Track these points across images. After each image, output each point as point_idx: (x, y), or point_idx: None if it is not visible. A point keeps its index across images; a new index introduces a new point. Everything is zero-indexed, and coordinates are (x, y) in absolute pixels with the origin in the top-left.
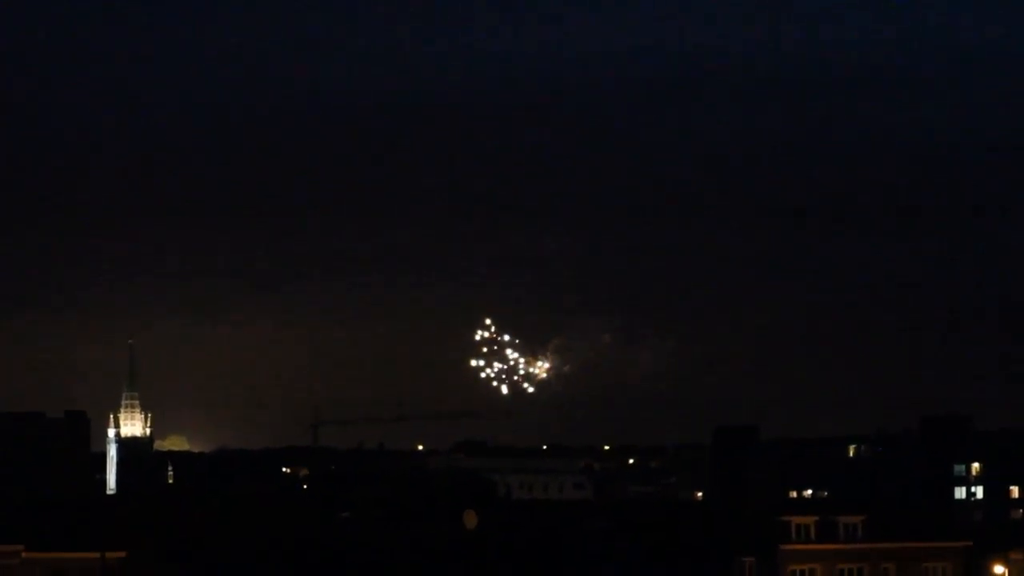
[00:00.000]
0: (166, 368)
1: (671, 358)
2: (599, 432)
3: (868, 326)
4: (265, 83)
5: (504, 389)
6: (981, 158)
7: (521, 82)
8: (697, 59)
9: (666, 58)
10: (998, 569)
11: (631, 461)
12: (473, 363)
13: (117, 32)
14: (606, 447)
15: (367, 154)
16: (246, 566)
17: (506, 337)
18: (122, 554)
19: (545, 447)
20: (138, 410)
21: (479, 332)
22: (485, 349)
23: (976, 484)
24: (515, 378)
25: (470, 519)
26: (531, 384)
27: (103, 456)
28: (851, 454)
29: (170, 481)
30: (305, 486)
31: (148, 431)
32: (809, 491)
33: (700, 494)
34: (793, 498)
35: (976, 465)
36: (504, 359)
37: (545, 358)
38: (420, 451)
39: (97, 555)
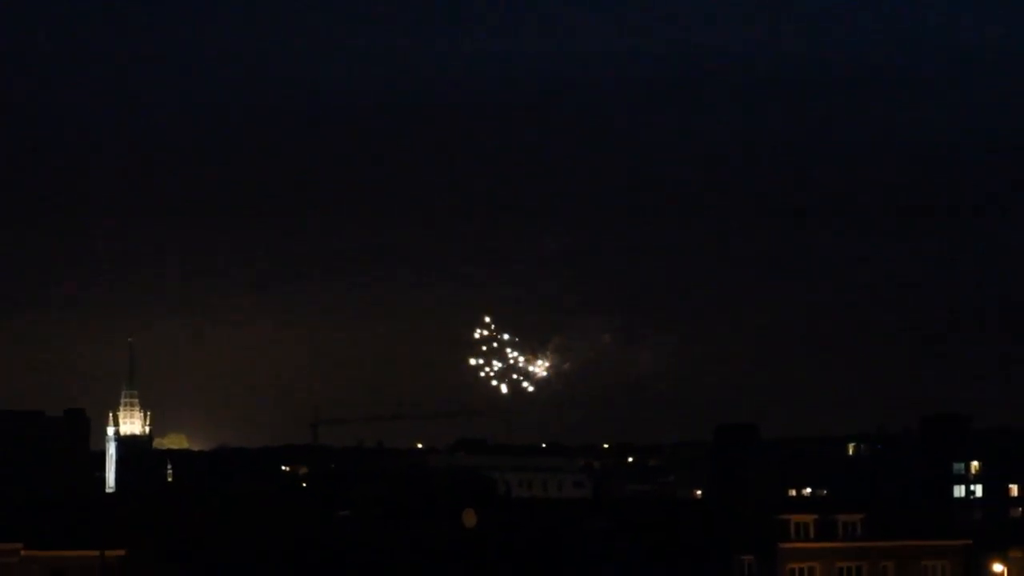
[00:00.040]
0: (166, 367)
1: (671, 358)
2: (598, 430)
3: (868, 326)
4: (265, 83)
5: (503, 388)
6: (981, 158)
7: (521, 82)
8: (697, 59)
9: (666, 58)
10: (997, 567)
11: (630, 459)
12: (472, 362)
13: (117, 32)
14: (605, 445)
15: (367, 154)
16: (245, 564)
17: (505, 336)
18: (121, 552)
19: (544, 445)
20: (137, 408)
21: (478, 331)
22: (484, 348)
23: (975, 483)
24: (514, 377)
25: (469, 517)
26: (531, 383)
27: (102, 454)
28: (850, 453)
29: (169, 479)
30: (304, 485)
31: (147, 429)
32: (808, 490)
33: (699, 492)
34: (792, 497)
35: (975, 464)
36: (504, 358)
37: (545, 357)
38: (419, 449)
39: (96, 553)
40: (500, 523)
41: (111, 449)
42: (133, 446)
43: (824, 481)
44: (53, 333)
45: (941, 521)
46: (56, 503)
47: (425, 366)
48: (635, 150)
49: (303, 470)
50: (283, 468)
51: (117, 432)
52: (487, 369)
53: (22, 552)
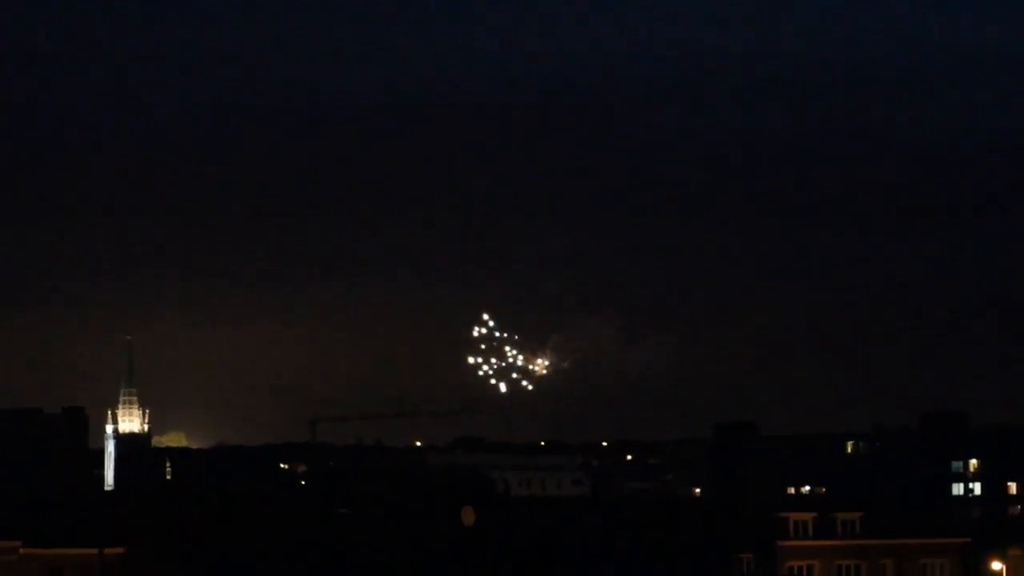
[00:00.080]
0: (165, 365)
1: (671, 357)
2: (598, 429)
3: (868, 326)
4: (265, 83)
5: (503, 386)
6: (981, 158)
7: (521, 82)
8: (697, 59)
9: (666, 58)
10: (996, 565)
11: (629, 458)
12: (471, 360)
13: (117, 32)
14: (604, 443)
15: (367, 154)
16: (245, 563)
17: (504, 334)
18: (120, 550)
19: (543, 443)
20: (136, 406)
21: (477, 329)
22: (483, 346)
23: (974, 481)
24: (514, 376)
25: (468, 515)
26: (530, 381)
27: (101, 452)
28: (849, 451)
29: (168, 477)
30: (303, 483)
31: (146, 427)
32: (807, 488)
33: (698, 491)
34: (791, 495)
35: (974, 462)
36: (503, 356)
37: (545, 355)
38: (419, 447)
39: (95, 551)
40: (499, 521)
41: (110, 447)
42: (132, 444)
43: (823, 479)
44: (52, 331)
45: (940, 519)
46: (55, 501)
47: (425, 365)
48: (635, 150)
49: (302, 468)
50: (282, 466)
51: (116, 430)
52: (486, 368)
53: (21, 550)
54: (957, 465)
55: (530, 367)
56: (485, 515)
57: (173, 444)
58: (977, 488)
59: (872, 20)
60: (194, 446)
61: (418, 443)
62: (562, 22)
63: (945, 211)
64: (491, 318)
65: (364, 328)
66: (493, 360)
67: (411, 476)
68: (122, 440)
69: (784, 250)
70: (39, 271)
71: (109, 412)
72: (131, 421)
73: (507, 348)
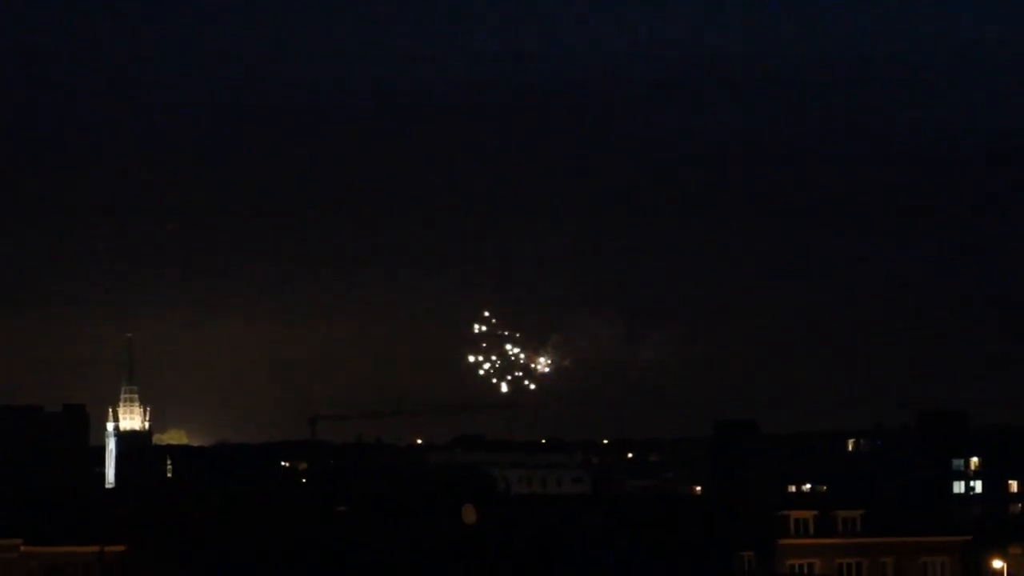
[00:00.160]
0: (165, 362)
1: (671, 357)
2: (598, 427)
3: (868, 326)
4: (265, 83)
5: (504, 385)
6: (981, 158)
7: (521, 82)
8: (697, 59)
9: (666, 58)
10: (997, 564)
11: (630, 456)
12: (471, 359)
13: (117, 32)
14: (605, 441)
15: (367, 154)
16: (245, 561)
17: (505, 332)
18: (121, 548)
19: (544, 441)
20: (137, 404)
21: (477, 327)
22: (484, 344)
23: (974, 479)
24: (516, 374)
25: (469, 514)
26: (531, 379)
27: (102, 450)
28: (850, 449)
29: (169, 475)
30: (304, 481)
31: (147, 425)
32: (808, 486)
33: (698, 489)
34: (792, 493)
35: (975, 460)
36: (503, 354)
37: (545, 353)
38: (419, 446)
39: (96, 549)
40: (499, 519)
41: (111, 445)
42: (133, 442)
43: (824, 478)
44: (52, 331)
45: (941, 518)
46: (55, 499)
47: (425, 364)
48: (635, 150)
49: (302, 466)
50: (282, 464)
51: (117, 428)
52: (486, 366)
53: (21, 548)
54: (958, 463)
55: (532, 365)
56: (486, 513)
57: (174, 442)
58: (978, 486)
59: (872, 20)
60: (195, 444)
61: (418, 441)
62: (562, 22)
63: (945, 211)
64: (491, 315)
65: (364, 327)
66: (493, 357)
67: (411, 474)
68: (123, 438)
69: (784, 250)
70: (39, 271)
71: (110, 410)
72: (132, 419)
73: (508, 347)
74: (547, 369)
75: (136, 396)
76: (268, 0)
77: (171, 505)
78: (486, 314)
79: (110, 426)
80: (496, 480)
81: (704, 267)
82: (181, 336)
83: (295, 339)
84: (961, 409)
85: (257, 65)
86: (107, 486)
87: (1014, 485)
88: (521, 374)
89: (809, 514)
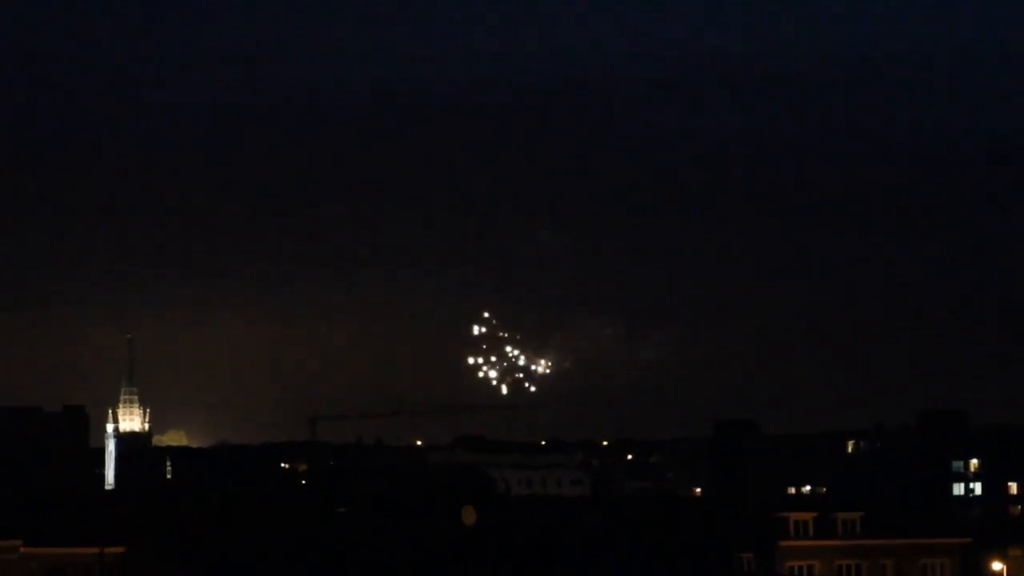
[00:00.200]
0: (165, 363)
1: (671, 357)
2: (597, 428)
3: (868, 326)
4: (265, 83)
5: (504, 386)
6: (981, 158)
7: (521, 82)
8: (697, 59)
9: (666, 58)
10: (996, 566)
11: (629, 457)
12: (471, 360)
13: (117, 32)
14: (604, 443)
15: (367, 154)
16: (245, 562)
17: (505, 334)
18: (121, 549)
19: (544, 442)
20: (137, 405)
21: (477, 328)
22: (484, 345)
23: (974, 480)
24: (517, 375)
25: (469, 515)
26: (531, 380)
27: (102, 451)
28: (850, 451)
29: (168, 476)
30: (304, 482)
31: (147, 426)
32: (808, 487)
33: (698, 490)
34: (792, 494)
35: (974, 461)
36: (503, 355)
37: (546, 355)
38: (419, 446)
39: (96, 550)
40: (499, 520)
41: (110, 446)
42: (132, 443)
43: (824, 479)
44: (52, 331)
45: (940, 519)
46: (55, 500)
47: (425, 365)
48: (635, 150)
49: (302, 467)
50: (282, 465)
51: (116, 429)
52: (486, 368)
53: (21, 549)
54: (958, 465)
55: (532, 367)
56: (485, 514)
57: (174, 443)
58: (978, 488)
59: (872, 20)
60: (195, 445)
61: (418, 442)
62: (562, 22)
63: (945, 211)
64: (492, 316)
65: (364, 327)
66: (493, 359)
67: (411, 475)
68: (123, 439)
69: (784, 250)
70: (39, 271)
71: (109, 411)
72: (132, 420)
73: (508, 348)
74: (547, 371)
75: (136, 397)
76: (268, 0)
77: (171, 506)
78: (486, 315)
79: (110, 427)
80: (496, 481)
81: (704, 267)
82: (181, 336)
83: (295, 339)
84: (961, 410)
85: (257, 65)
86: (107, 487)
87: (1014, 487)
88: (521, 376)
89: (809, 516)
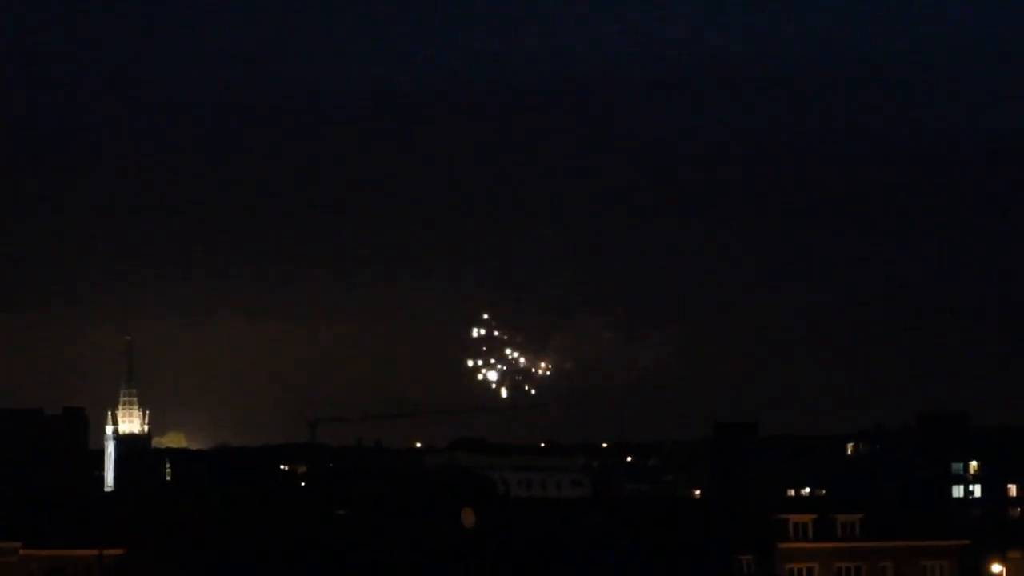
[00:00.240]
0: (165, 365)
1: (671, 357)
2: (597, 429)
3: (868, 326)
4: (265, 83)
5: (504, 387)
6: (981, 158)
7: (521, 82)
8: (697, 59)
9: (666, 58)
10: (996, 568)
11: (628, 459)
12: (470, 363)
13: (117, 32)
14: (604, 445)
15: (367, 154)
16: (245, 563)
17: (505, 336)
18: (120, 551)
19: (543, 444)
20: (136, 407)
21: (476, 330)
22: (484, 347)
23: (974, 483)
24: (517, 378)
25: (468, 517)
26: (531, 382)
27: (101, 453)
28: (849, 452)
29: (168, 478)
30: (303, 484)
31: (146, 428)
32: (807, 489)
33: (698, 492)
34: (791, 496)
35: (974, 463)
36: (503, 357)
37: (546, 357)
38: (418, 448)
39: (95, 552)
40: (499, 522)
41: (110, 448)
42: (132, 445)
43: (823, 481)
44: (52, 332)
45: (940, 521)
46: (55, 502)
47: (425, 366)
48: (635, 150)
49: (302, 469)
50: (282, 467)
51: (116, 431)
52: (486, 371)
53: (21, 551)
54: (957, 467)
55: (532, 369)
56: (485, 516)
57: (173, 445)
58: (977, 490)
59: (872, 20)
60: (194, 447)
61: (418, 444)
62: (562, 22)
63: (945, 211)
64: (491, 318)
65: (364, 328)
66: (493, 360)
67: (411, 477)
68: (122, 441)
69: (784, 250)
70: (39, 271)
71: (109, 413)
72: (131, 422)
73: (507, 350)
74: (547, 372)
75: (135, 399)
76: (268, 0)
77: (170, 508)
78: (485, 317)
79: (109, 429)
80: (495, 483)
81: (704, 267)
82: (181, 336)
83: (295, 339)
84: (961, 411)
85: (257, 65)
86: (106, 489)
87: (1013, 489)
88: (521, 378)
89: (808, 518)
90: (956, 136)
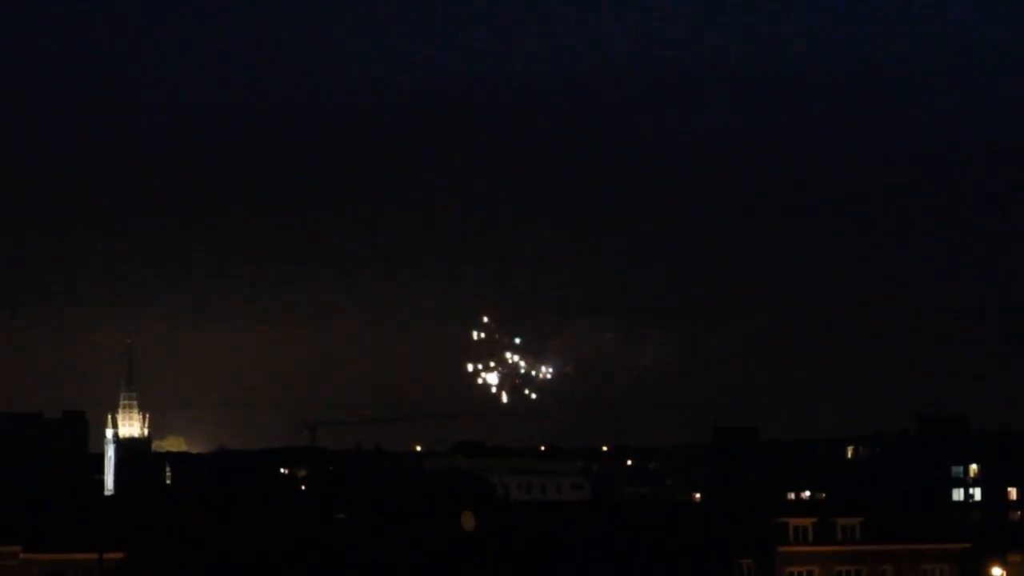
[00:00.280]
0: (164, 368)
1: (671, 358)
2: (597, 432)
3: (868, 326)
4: (265, 83)
5: (504, 391)
6: (981, 158)
7: (521, 82)
8: (697, 59)
9: (666, 58)
10: (996, 571)
11: (629, 462)
12: (470, 367)
13: (117, 32)
14: (604, 448)
15: (367, 154)
16: (245, 566)
17: (505, 339)
18: (120, 555)
19: (543, 448)
20: (136, 410)
21: (476, 333)
22: (484, 351)
23: (974, 486)
24: (516, 382)
25: (468, 520)
26: (532, 386)
27: (101, 457)
28: (849, 455)
29: (168, 482)
30: (303, 487)
31: (146, 432)
32: (807, 492)
33: (698, 495)
34: (791, 500)
35: (974, 467)
36: (503, 360)
37: (546, 359)
38: (418, 452)
39: (95, 556)
40: (499, 525)
41: (110, 451)
42: (132, 448)
43: (823, 484)
44: (53, 332)
45: (940, 525)
46: (55, 505)
47: (424, 368)
48: (635, 150)
49: (302, 473)
50: (282, 470)
51: (116, 434)
52: (485, 375)
53: (21, 555)
54: (957, 470)
55: (533, 372)
56: (485, 519)
57: (173, 448)
58: (977, 493)
59: (872, 20)
60: (194, 451)
61: (418, 447)
62: (562, 22)
63: (945, 211)
64: (491, 320)
65: (364, 328)
66: (492, 364)
67: (411, 480)
68: (122, 444)
69: (784, 250)
70: (39, 271)
71: (109, 416)
72: (131, 425)
73: (507, 354)
74: (549, 376)
75: (135, 403)
76: (268, 0)
77: (171, 510)
78: (485, 320)
79: (109, 433)
80: (495, 486)
81: (704, 267)
82: (181, 337)
83: (295, 339)
84: (961, 414)
85: (257, 65)
86: (106, 493)
87: (1013, 492)
88: (522, 382)
89: (808, 521)
90: (956, 136)
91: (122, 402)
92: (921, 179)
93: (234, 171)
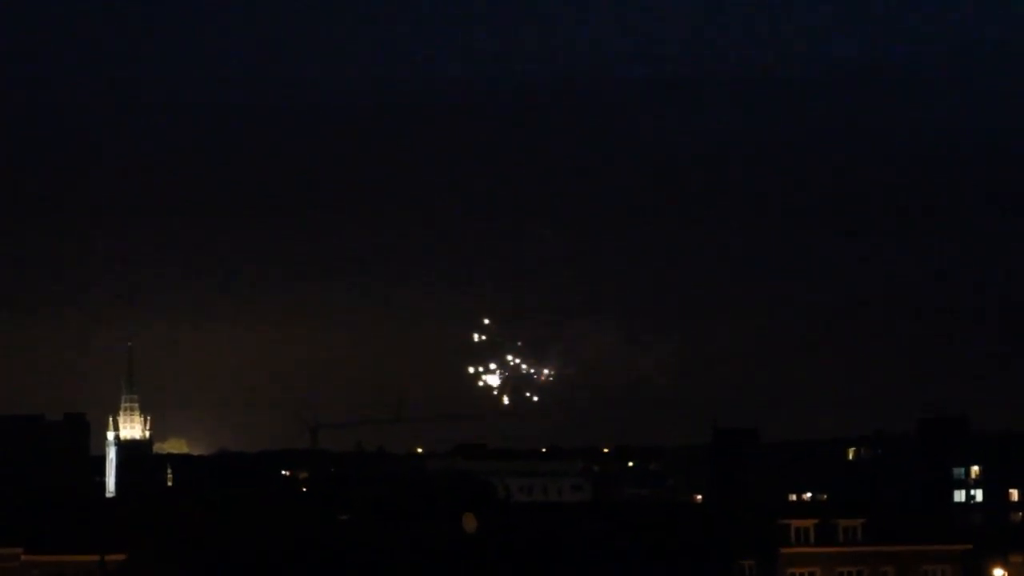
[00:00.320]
0: (165, 370)
1: (671, 358)
2: (597, 434)
3: (868, 326)
4: (265, 83)
5: (505, 393)
6: (981, 158)
7: (521, 82)
8: (697, 59)
9: (666, 58)
10: (997, 572)
11: (630, 464)
12: (471, 369)
13: (117, 32)
14: (605, 449)
15: (367, 154)
16: (246, 567)
17: (506, 342)
18: (121, 556)
19: (544, 449)
20: (137, 412)
21: (476, 335)
22: (484, 352)
23: (975, 487)
24: (516, 383)
25: (469, 521)
26: (533, 388)
27: (103, 459)
28: (851, 457)
29: (169, 484)
30: (304, 489)
31: (147, 434)
32: (809, 494)
33: (699, 496)
34: (793, 501)
35: (975, 468)
36: (504, 362)
37: (547, 361)
38: (419, 453)
39: (97, 557)
40: (500, 527)
41: (111, 454)
42: (133, 451)
43: (824, 485)
44: (53, 333)
45: (941, 526)
46: (56, 507)
47: (425, 369)
48: (635, 150)
49: (303, 474)
50: (283, 472)
51: (117, 437)
52: (486, 377)
53: (22, 556)
54: (958, 471)
55: (534, 374)
56: (486, 521)
57: (174, 450)
58: (978, 494)
59: (872, 20)
60: (195, 453)
61: (419, 449)
62: (562, 22)
63: (945, 211)
64: (491, 322)
65: (364, 329)
66: (493, 366)
67: (412, 482)
68: (123, 447)
69: (784, 250)
70: (39, 271)
71: (110, 418)
72: (132, 428)
73: (509, 356)
74: (550, 379)
75: (136, 405)
76: (268, 0)
77: (172, 512)
78: (486, 322)
79: (111, 435)
80: (496, 488)
81: (704, 267)
82: (181, 338)
83: (296, 339)
84: (961, 415)
85: (257, 65)
86: (108, 495)
87: (1015, 493)
88: (524, 385)
89: (810, 522)
90: (956, 136)
91: (123, 404)
92: (921, 179)
93: (234, 171)
